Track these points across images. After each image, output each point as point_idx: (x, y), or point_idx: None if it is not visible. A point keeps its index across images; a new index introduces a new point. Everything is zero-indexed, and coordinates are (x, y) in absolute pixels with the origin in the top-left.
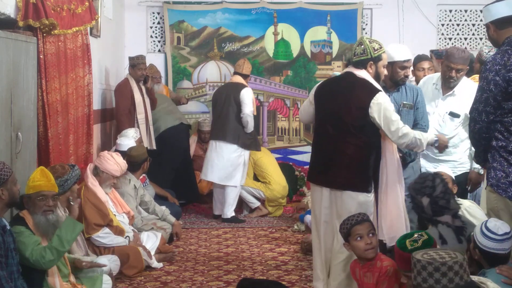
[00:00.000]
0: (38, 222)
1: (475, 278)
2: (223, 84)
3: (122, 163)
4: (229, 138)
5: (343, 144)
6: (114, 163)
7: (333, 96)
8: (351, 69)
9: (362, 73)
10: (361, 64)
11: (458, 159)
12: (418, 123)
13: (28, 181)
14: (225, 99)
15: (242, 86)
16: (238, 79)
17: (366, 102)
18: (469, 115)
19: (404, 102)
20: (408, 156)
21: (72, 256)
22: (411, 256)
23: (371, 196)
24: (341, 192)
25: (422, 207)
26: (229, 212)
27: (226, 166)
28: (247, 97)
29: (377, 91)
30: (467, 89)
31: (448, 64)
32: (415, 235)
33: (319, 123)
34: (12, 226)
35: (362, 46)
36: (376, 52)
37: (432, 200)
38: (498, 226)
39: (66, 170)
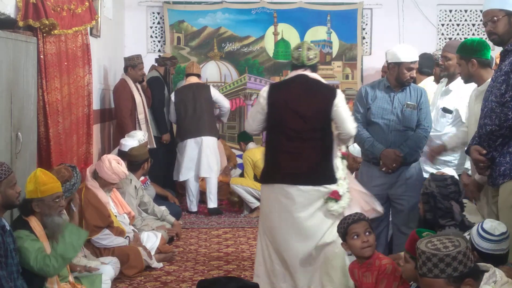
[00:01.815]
0: (51, 222)
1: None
2: (182, 86)
3: (121, 172)
4: (210, 132)
5: (313, 141)
6: (112, 172)
7: (295, 99)
8: (306, 72)
9: (316, 76)
10: (315, 68)
11: (453, 160)
12: (421, 124)
13: (37, 186)
14: (194, 99)
15: (207, 86)
16: (196, 79)
17: (329, 101)
18: (501, 106)
19: (408, 103)
20: (409, 156)
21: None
22: (416, 246)
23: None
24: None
25: (452, 212)
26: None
27: (213, 158)
28: (219, 93)
29: (336, 90)
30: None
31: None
32: (424, 234)
33: (279, 126)
34: (15, 230)
35: (313, 51)
36: None
37: (460, 205)
38: (495, 226)
39: (71, 173)
